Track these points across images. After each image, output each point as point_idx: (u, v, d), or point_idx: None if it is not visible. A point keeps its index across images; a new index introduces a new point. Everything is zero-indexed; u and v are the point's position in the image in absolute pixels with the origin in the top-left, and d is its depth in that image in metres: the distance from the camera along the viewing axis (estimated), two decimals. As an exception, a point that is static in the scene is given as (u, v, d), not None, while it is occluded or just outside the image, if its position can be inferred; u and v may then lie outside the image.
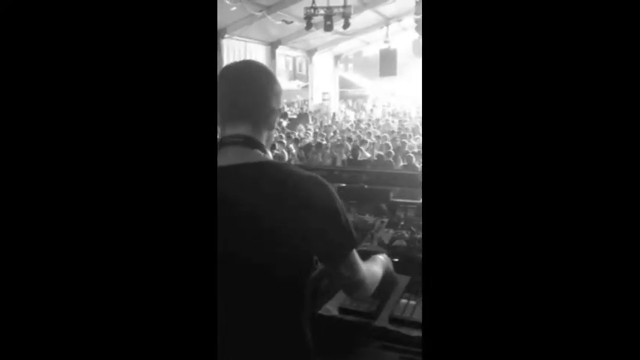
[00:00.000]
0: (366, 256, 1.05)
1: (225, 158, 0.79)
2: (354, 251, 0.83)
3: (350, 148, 6.44)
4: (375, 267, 0.99)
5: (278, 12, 8.77)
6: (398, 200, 1.95)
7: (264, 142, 0.84)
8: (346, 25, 8.36)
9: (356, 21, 9.39)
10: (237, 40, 9.77)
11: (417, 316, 0.99)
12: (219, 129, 0.83)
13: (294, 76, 19.54)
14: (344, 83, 17.76)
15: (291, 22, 9.20)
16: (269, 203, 0.75)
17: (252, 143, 0.81)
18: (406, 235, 1.38)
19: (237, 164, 0.78)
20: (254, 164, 0.79)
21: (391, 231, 1.47)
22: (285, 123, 9.67)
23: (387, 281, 1.09)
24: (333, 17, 8.28)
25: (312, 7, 8.09)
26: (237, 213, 0.75)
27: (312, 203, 0.76)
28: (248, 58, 10.51)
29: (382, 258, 1.07)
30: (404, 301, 1.05)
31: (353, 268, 0.83)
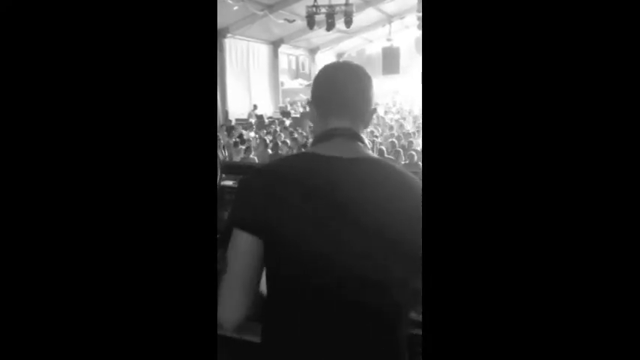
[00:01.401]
0: None
1: (334, 149, 0.79)
2: None
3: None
4: None
5: (280, 11, 8.79)
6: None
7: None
8: (348, 24, 8.35)
9: (358, 19, 9.38)
10: (240, 39, 9.79)
11: (417, 314, 0.97)
12: (319, 122, 0.85)
13: (296, 74, 19.57)
14: (347, 82, 17.68)
15: (294, 20, 9.21)
16: (390, 202, 0.74)
17: (358, 137, 0.83)
18: None
19: (351, 158, 0.78)
20: (369, 160, 0.80)
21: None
22: (287, 122, 9.67)
23: None
24: (335, 15, 8.28)
25: (314, 6, 8.10)
26: (351, 208, 0.73)
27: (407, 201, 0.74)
28: (250, 57, 10.57)
29: None
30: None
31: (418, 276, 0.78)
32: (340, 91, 0.84)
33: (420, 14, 8.24)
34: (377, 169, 0.78)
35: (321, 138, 0.83)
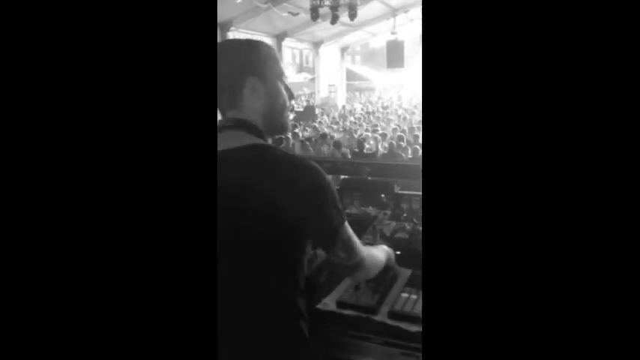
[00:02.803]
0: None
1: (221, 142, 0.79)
2: (348, 230, 0.82)
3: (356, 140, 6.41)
4: (375, 251, 0.97)
5: (284, 4, 8.72)
6: (402, 192, 1.93)
7: (259, 125, 0.84)
8: (352, 17, 8.27)
9: (362, 12, 9.30)
10: (244, 32, 9.73)
11: (418, 310, 0.96)
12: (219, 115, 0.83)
13: (300, 68, 19.47)
14: (351, 75, 17.66)
15: (297, 13, 9.15)
16: (258, 182, 0.76)
17: (245, 126, 0.82)
18: (408, 228, 1.35)
19: (229, 148, 0.79)
20: (244, 147, 0.80)
21: (393, 223, 1.44)
22: (291, 116, 9.63)
23: (388, 273, 1.06)
24: (340, 8, 8.20)
25: (317, -1, 8.01)
26: (233, 191, 0.76)
27: (300, 182, 0.77)
28: (254, 50, 10.51)
29: (385, 247, 1.05)
30: (405, 295, 1.02)
31: (349, 247, 0.82)
32: (219, 77, 0.80)
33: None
34: (257, 154, 0.78)
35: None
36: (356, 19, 8.66)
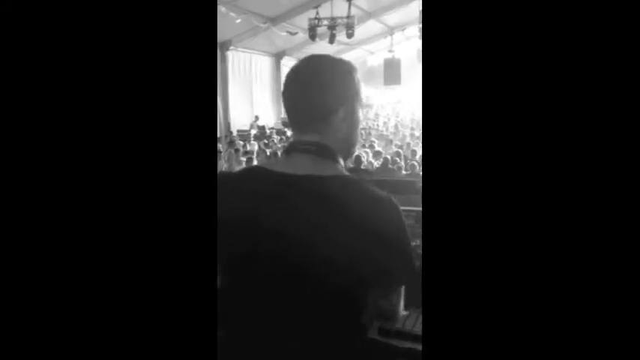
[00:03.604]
0: None
1: (292, 166, 0.72)
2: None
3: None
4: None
5: (283, 23, 8.88)
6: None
7: (339, 151, 0.75)
8: (350, 36, 8.41)
9: (360, 31, 9.46)
10: (243, 51, 9.89)
11: (410, 327, 0.96)
12: (291, 133, 0.78)
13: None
14: (349, 93, 17.81)
15: (296, 33, 9.30)
16: (328, 219, 0.68)
17: (327, 154, 0.73)
18: None
19: (301, 175, 0.71)
20: (320, 177, 0.71)
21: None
22: (289, 133, 9.69)
23: None
24: (337, 28, 8.35)
25: (316, 18, 8.17)
26: (294, 224, 0.69)
27: (381, 225, 0.69)
28: (253, 69, 10.67)
29: None
30: (396, 311, 1.02)
31: (400, 297, 0.75)
32: (296, 96, 0.74)
33: (421, 25, 8.31)
34: (333, 188, 0.70)
35: (283, 152, 0.77)
36: (354, 38, 8.81)
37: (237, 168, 5.92)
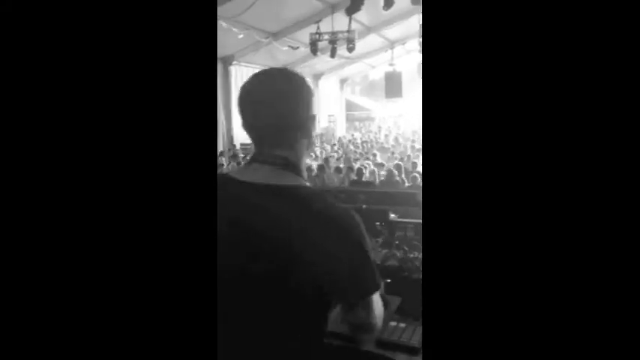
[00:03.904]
0: None
1: (259, 176, 0.75)
2: (376, 297, 0.77)
3: (355, 169, 6.45)
4: (379, 303, 0.91)
5: (284, 38, 9.00)
6: (397, 220, 1.93)
7: (298, 161, 0.78)
8: (351, 50, 8.50)
9: (361, 45, 9.56)
10: (246, 66, 10.00)
11: (407, 339, 0.95)
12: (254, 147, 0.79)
13: (301, 100, 19.83)
14: (351, 106, 17.95)
15: (297, 47, 9.41)
16: (293, 227, 0.71)
17: (293, 168, 0.77)
18: (398, 255, 1.35)
19: (268, 184, 0.74)
20: (286, 186, 0.74)
21: (384, 251, 1.45)
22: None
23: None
24: (338, 42, 8.45)
25: (317, 33, 8.28)
26: (257, 232, 0.72)
27: (341, 235, 0.71)
28: (255, 83, 10.76)
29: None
30: (393, 323, 1.02)
31: (369, 309, 0.76)
32: (249, 110, 0.75)
33: (421, 39, 8.41)
34: (299, 196, 0.73)
35: (246, 164, 0.80)
36: (355, 52, 8.91)
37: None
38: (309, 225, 0.70)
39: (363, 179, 5.99)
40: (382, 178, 5.93)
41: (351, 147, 10.21)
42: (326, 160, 6.88)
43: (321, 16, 8.19)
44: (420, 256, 1.38)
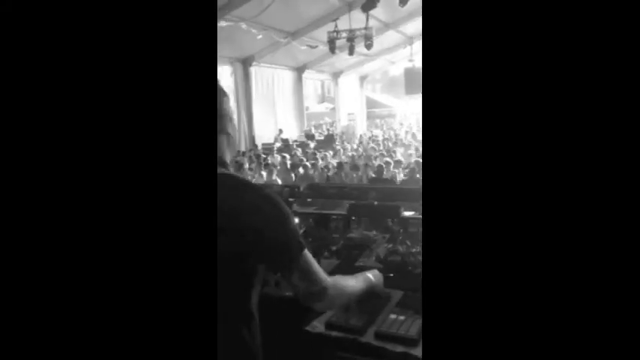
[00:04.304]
0: (358, 272, 1.04)
1: None
2: (307, 259, 0.83)
3: (375, 166, 6.42)
4: (349, 281, 0.97)
5: (303, 37, 9.04)
6: (408, 216, 1.93)
7: (220, 155, 0.87)
8: (369, 47, 8.45)
9: (379, 42, 9.50)
10: (265, 66, 10.11)
11: (404, 331, 0.96)
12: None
13: (322, 99, 19.86)
14: (371, 103, 17.84)
15: (316, 46, 9.44)
16: (228, 204, 0.77)
17: (221, 164, 0.86)
18: (401, 250, 1.36)
19: None
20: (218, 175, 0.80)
21: (389, 246, 1.46)
22: (312, 145, 9.78)
23: (375, 296, 1.08)
24: (356, 39, 8.41)
25: (334, 31, 8.27)
26: None
27: (262, 209, 0.80)
28: (276, 83, 10.86)
29: (368, 274, 1.05)
30: (392, 316, 1.03)
31: (308, 276, 0.82)
32: None
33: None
34: (227, 181, 0.81)
35: None
36: (373, 49, 8.85)
37: (260, 180, 6.03)
38: (236, 203, 0.78)
39: (383, 177, 5.96)
40: (404, 176, 5.86)
41: (372, 145, 10.15)
42: (340, 164, 6.86)
43: (338, 14, 8.18)
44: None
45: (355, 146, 9.93)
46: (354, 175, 6.18)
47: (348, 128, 13.46)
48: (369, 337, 0.99)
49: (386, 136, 11.82)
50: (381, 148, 9.22)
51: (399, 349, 0.93)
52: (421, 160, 6.33)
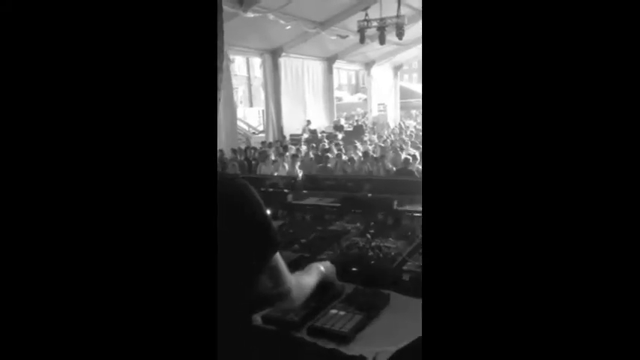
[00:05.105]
0: (306, 265, 1.02)
1: None
2: (279, 259, 0.78)
3: (402, 158, 6.29)
4: (306, 278, 0.94)
5: (332, 27, 8.95)
6: (402, 208, 1.87)
7: None
8: (400, 35, 8.23)
9: (413, 30, 9.22)
10: (294, 57, 10.12)
11: (339, 327, 0.93)
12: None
13: (357, 89, 19.65)
14: (407, 93, 17.41)
15: (346, 36, 9.32)
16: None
17: None
18: (360, 243, 1.31)
19: None
20: None
21: (356, 239, 1.41)
22: (340, 136, 9.72)
23: (325, 290, 1.04)
24: (387, 28, 8.21)
25: (365, 20, 8.12)
26: None
27: (242, 209, 0.74)
28: (305, 74, 10.86)
29: (320, 267, 1.03)
30: (333, 311, 0.99)
31: (275, 276, 0.78)
32: None
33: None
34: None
35: None
36: (408, 37, 8.61)
37: (282, 171, 6.08)
38: None
39: (409, 169, 5.82)
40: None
41: (403, 136, 9.94)
42: (365, 153, 6.77)
43: (368, 3, 8.01)
44: (394, 245, 1.32)
45: (385, 137, 9.76)
46: (378, 166, 6.08)
47: (379, 119, 13.24)
48: (303, 332, 0.96)
49: (419, 127, 11.53)
50: (414, 139, 9.00)
51: (330, 345, 0.90)
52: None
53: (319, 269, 1.02)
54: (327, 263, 1.06)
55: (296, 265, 1.11)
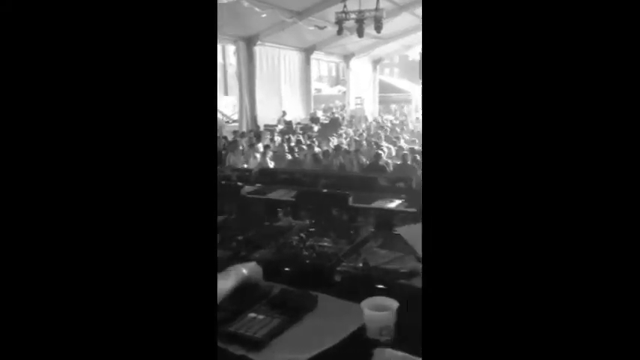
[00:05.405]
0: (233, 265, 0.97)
1: None
2: None
3: (373, 153, 6.30)
4: (219, 282, 0.91)
5: (310, 17, 8.81)
6: (357, 205, 1.84)
7: None
8: (378, 29, 8.18)
9: (393, 24, 9.19)
10: (270, 46, 9.94)
11: (253, 332, 0.87)
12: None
13: (337, 81, 19.60)
14: (387, 88, 17.44)
15: (324, 27, 9.21)
16: None
17: None
18: (293, 243, 1.26)
19: None
20: None
21: (295, 238, 1.36)
22: (316, 128, 9.65)
23: (249, 292, 0.99)
24: (365, 21, 8.14)
25: (343, 12, 8.02)
26: None
27: None
28: (282, 64, 10.70)
29: (242, 269, 0.98)
30: (252, 314, 0.94)
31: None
32: None
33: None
34: None
35: None
36: (387, 31, 8.57)
37: (252, 162, 5.97)
38: None
39: (380, 163, 5.83)
40: (399, 162, 5.76)
41: (379, 131, 9.96)
42: (337, 147, 6.75)
43: (347, -6, 7.90)
44: (331, 245, 1.28)
45: (361, 131, 9.75)
46: (349, 161, 6.06)
47: (356, 112, 13.22)
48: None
49: (396, 122, 11.59)
50: (389, 134, 9.02)
51: (240, 351, 0.84)
52: (416, 148, 6.16)
53: (240, 272, 0.97)
54: (252, 264, 1.02)
55: (227, 265, 1.06)
